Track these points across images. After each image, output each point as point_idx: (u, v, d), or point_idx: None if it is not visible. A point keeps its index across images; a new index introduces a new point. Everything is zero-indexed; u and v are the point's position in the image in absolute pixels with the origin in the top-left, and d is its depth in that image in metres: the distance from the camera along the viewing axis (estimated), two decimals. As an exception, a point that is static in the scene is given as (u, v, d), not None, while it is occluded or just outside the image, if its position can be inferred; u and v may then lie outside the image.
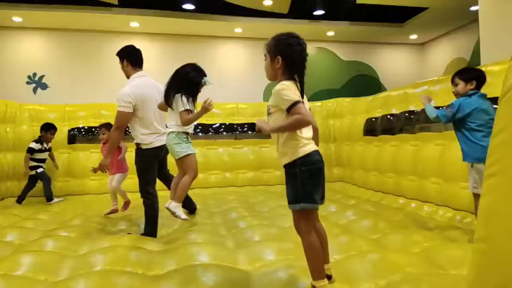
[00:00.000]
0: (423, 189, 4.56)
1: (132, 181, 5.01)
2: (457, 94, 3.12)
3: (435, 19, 8.51)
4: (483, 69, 3.90)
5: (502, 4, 5.14)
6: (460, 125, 3.05)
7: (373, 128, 5.95)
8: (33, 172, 5.56)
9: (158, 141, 3.57)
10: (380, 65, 10.39)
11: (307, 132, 2.02)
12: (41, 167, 5.65)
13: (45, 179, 5.60)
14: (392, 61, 10.51)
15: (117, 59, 3.70)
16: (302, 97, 2.03)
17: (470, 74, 3.08)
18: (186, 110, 3.14)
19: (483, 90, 3.12)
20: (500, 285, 0.83)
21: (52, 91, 8.34)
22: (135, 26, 8.35)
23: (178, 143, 3.18)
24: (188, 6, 7.87)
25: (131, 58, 3.62)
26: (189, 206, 4.31)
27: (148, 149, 3.51)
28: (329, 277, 2.03)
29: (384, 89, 9.98)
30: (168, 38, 8.99)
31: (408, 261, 2.34)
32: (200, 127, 6.77)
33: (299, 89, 2.04)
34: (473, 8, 7.64)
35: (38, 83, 8.34)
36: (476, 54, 8.23)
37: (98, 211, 4.68)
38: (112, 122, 6.11)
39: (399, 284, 2.05)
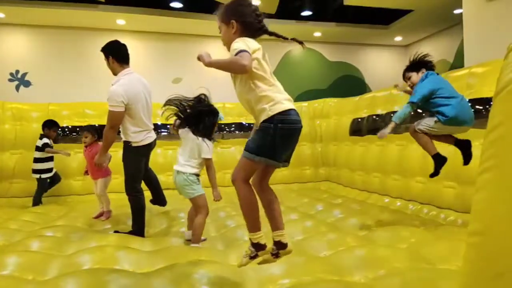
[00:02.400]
0: (408, 188, 4.64)
1: (117, 181, 4.97)
2: (413, 86, 3.28)
3: (420, 22, 8.67)
4: (467, 71, 4.00)
5: (486, 7, 5.27)
6: (430, 107, 3.18)
7: (359, 128, 6.02)
8: (38, 176, 5.34)
9: (148, 138, 3.55)
10: (366, 66, 10.53)
11: (283, 92, 1.96)
12: (51, 169, 5.46)
13: (44, 184, 5.41)
14: (377, 63, 10.67)
15: (102, 57, 3.62)
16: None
17: (417, 64, 3.24)
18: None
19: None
20: (496, 276, 0.86)
21: (35, 89, 8.16)
22: (122, 23, 8.25)
23: (189, 184, 3.15)
24: (176, 5, 7.82)
25: (117, 55, 3.53)
26: (161, 202, 4.25)
27: (138, 146, 3.48)
28: (283, 246, 1.94)
29: (369, 90, 10.11)
30: (155, 37, 8.91)
31: (396, 256, 2.39)
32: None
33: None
34: (456, 11, 7.81)
35: (21, 80, 8.14)
36: (459, 56, 8.42)
37: (83, 212, 4.61)
38: (97, 121, 6.04)
39: (387, 277, 2.09)
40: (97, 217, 4.33)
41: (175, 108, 2.90)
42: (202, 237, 3.22)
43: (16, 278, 2.16)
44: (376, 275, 2.14)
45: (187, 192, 3.14)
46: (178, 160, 3.24)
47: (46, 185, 5.45)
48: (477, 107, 3.67)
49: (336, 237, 2.91)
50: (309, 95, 9.42)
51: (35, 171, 5.34)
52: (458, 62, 8.25)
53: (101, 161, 3.56)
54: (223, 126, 6.90)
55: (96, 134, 4.57)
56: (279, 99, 1.90)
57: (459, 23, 7.14)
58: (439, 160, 3.28)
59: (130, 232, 3.47)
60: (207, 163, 3.24)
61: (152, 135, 3.63)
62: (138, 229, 3.50)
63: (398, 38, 10.06)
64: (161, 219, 4.19)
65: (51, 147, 5.42)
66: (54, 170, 5.50)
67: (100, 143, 4.52)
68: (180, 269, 2.22)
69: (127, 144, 3.50)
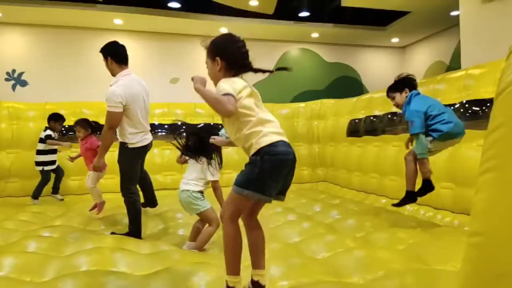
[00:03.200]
0: (405, 189, 4.64)
1: (113, 181, 4.96)
2: (398, 106, 3.29)
3: (417, 23, 8.70)
4: (464, 72, 4.02)
5: (483, 9, 5.31)
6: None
7: (356, 129, 6.03)
8: (41, 168, 5.38)
9: (144, 140, 3.55)
10: (362, 67, 10.57)
11: (272, 125, 1.92)
12: (54, 162, 5.48)
13: (47, 177, 5.45)
14: (374, 64, 10.70)
15: (100, 56, 3.60)
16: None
17: (400, 84, 3.26)
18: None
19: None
20: (497, 277, 0.86)
21: (32, 89, 8.12)
22: (119, 23, 8.23)
23: (194, 200, 3.11)
24: (174, 5, 7.81)
25: (116, 56, 3.53)
26: (152, 203, 4.24)
27: (134, 148, 3.48)
28: (260, 286, 1.87)
29: (366, 91, 10.14)
30: (153, 36, 8.89)
31: (394, 257, 2.40)
32: (184, 127, 6.71)
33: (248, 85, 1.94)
34: (453, 13, 7.85)
35: (17, 80, 8.10)
36: (455, 58, 8.46)
37: (80, 212, 4.59)
38: (94, 120, 6.01)
39: (385, 278, 2.10)
40: (92, 209, 4.37)
41: (176, 143, 2.91)
42: (205, 246, 3.14)
43: (14, 279, 2.15)
44: (375, 276, 2.14)
45: (192, 208, 3.11)
46: (183, 177, 3.22)
47: (49, 178, 5.48)
48: (474, 108, 3.69)
49: (334, 238, 2.91)
50: (306, 96, 9.43)
51: (38, 163, 5.39)
52: (454, 64, 8.29)
53: (99, 164, 3.54)
54: (220, 126, 6.87)
55: (89, 127, 4.57)
56: (265, 132, 1.86)
57: (456, 25, 7.17)
58: (410, 197, 3.34)
59: (127, 234, 3.45)
60: (213, 185, 3.20)
61: (149, 137, 3.63)
62: (134, 230, 3.48)
63: (395, 40, 10.10)
64: (158, 220, 4.18)
65: (55, 139, 5.43)
66: (57, 163, 5.50)
67: (94, 136, 4.56)
68: (178, 271, 2.21)
69: (123, 145, 3.49)
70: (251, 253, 1.93)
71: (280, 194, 1.96)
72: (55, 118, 5.51)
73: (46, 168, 5.40)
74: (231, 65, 1.98)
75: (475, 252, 0.96)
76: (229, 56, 1.98)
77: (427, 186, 3.30)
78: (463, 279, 1.00)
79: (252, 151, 1.87)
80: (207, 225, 3.13)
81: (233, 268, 1.85)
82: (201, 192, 3.18)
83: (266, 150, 1.83)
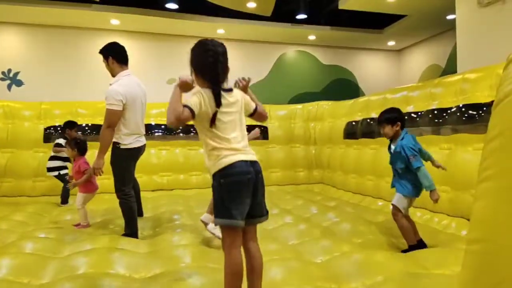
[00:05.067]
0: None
1: (110, 181, 4.93)
2: (386, 135, 3.26)
3: (413, 27, 8.76)
4: (460, 76, 4.06)
5: (479, 13, 5.35)
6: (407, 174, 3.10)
7: (353, 131, 6.05)
8: (56, 173, 5.34)
9: (137, 142, 3.53)
10: (359, 70, 10.61)
11: (235, 141, 1.87)
12: (66, 167, 5.43)
13: (66, 181, 5.33)
14: (370, 67, 10.76)
15: (96, 56, 3.59)
16: (219, 105, 1.85)
17: (395, 114, 3.18)
18: None
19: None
20: (496, 284, 0.87)
21: (27, 88, 8.07)
22: (116, 23, 8.20)
23: None
24: (171, 6, 7.80)
25: (117, 56, 3.53)
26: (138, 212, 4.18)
27: (125, 149, 3.46)
28: None
29: (362, 94, 10.19)
30: (149, 37, 8.87)
31: (392, 261, 2.41)
32: (181, 127, 6.72)
33: (216, 97, 1.86)
34: (449, 17, 7.91)
35: (13, 79, 8.05)
36: (451, 61, 8.51)
37: (75, 212, 4.55)
38: (90, 120, 5.98)
39: (384, 283, 2.10)
40: (76, 225, 4.07)
41: None
42: None
43: (10, 281, 2.13)
44: (374, 281, 2.15)
45: None
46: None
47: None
48: (470, 112, 3.72)
49: (332, 242, 2.92)
50: (303, 97, 9.46)
51: (51, 169, 5.35)
52: (450, 67, 8.34)
53: (99, 165, 3.49)
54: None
55: (76, 148, 4.25)
56: (222, 154, 1.83)
57: (452, 29, 7.23)
58: (419, 246, 3.01)
59: (123, 236, 3.44)
60: None
61: (142, 140, 3.62)
62: (131, 232, 3.47)
63: (391, 43, 10.15)
64: (154, 221, 4.17)
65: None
66: (66, 170, 5.46)
67: (83, 159, 4.33)
68: (175, 273, 2.21)
69: (115, 146, 3.46)
70: (249, 278, 1.91)
71: (255, 216, 1.90)
72: (70, 126, 5.39)
73: (62, 172, 5.38)
74: (203, 76, 1.92)
75: (474, 259, 0.97)
76: (198, 67, 1.95)
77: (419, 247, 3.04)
78: (463, 286, 1.01)
79: (211, 173, 1.87)
80: None
81: None
82: None
83: (221, 174, 1.82)
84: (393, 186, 3.29)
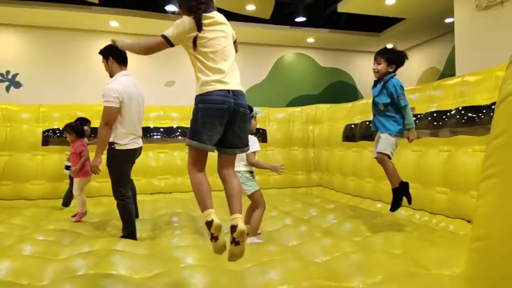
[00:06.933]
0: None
1: (108, 184, 4.90)
2: (377, 72, 3.34)
3: (411, 30, 8.80)
4: (460, 79, 4.07)
5: (477, 16, 5.38)
6: (393, 105, 3.28)
7: (352, 134, 6.06)
8: (68, 172, 5.21)
9: (133, 143, 3.52)
10: (357, 73, 10.66)
11: (219, 71, 1.99)
12: None
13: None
14: (368, 69, 10.67)
15: (95, 58, 3.62)
16: (200, 29, 2.03)
17: (394, 56, 3.30)
18: (254, 152, 3.28)
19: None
20: (499, 280, 0.87)
21: (26, 90, 8.07)
22: (115, 25, 8.22)
23: (245, 182, 3.28)
24: (171, 8, 7.81)
25: (117, 56, 3.54)
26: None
27: (121, 150, 3.44)
28: (234, 228, 1.98)
29: (361, 96, 10.22)
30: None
31: (392, 261, 2.41)
32: (179, 131, 6.69)
33: (197, 22, 2.04)
34: (448, 20, 7.95)
35: (11, 81, 8.05)
36: (449, 64, 8.55)
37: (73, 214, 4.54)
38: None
39: (385, 282, 2.10)
40: (73, 216, 4.28)
41: None
42: (258, 231, 3.35)
43: (10, 283, 2.12)
44: (374, 280, 2.15)
45: (244, 189, 3.22)
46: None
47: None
48: (469, 114, 3.73)
49: (332, 242, 2.92)
50: (302, 100, 9.49)
51: (68, 167, 5.27)
52: (448, 70, 8.38)
53: (96, 164, 3.49)
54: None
55: (73, 131, 4.51)
56: (206, 80, 1.96)
57: (450, 32, 7.28)
58: (403, 190, 3.34)
59: (122, 237, 3.42)
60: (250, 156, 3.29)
61: (139, 142, 3.60)
62: (128, 234, 3.46)
63: (389, 46, 10.17)
64: (153, 223, 4.16)
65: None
66: None
67: (80, 141, 4.47)
68: (176, 274, 2.20)
69: (110, 146, 3.45)
70: (228, 203, 2.09)
71: (225, 146, 2.05)
72: (82, 122, 5.31)
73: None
74: (186, 8, 2.10)
75: (477, 256, 0.97)
76: (181, 2, 2.17)
77: (403, 189, 3.34)
78: (467, 282, 1.01)
79: (196, 95, 2.01)
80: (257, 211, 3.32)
81: (204, 205, 2.01)
82: (251, 172, 3.36)
83: (200, 99, 1.96)
84: (375, 128, 3.41)
